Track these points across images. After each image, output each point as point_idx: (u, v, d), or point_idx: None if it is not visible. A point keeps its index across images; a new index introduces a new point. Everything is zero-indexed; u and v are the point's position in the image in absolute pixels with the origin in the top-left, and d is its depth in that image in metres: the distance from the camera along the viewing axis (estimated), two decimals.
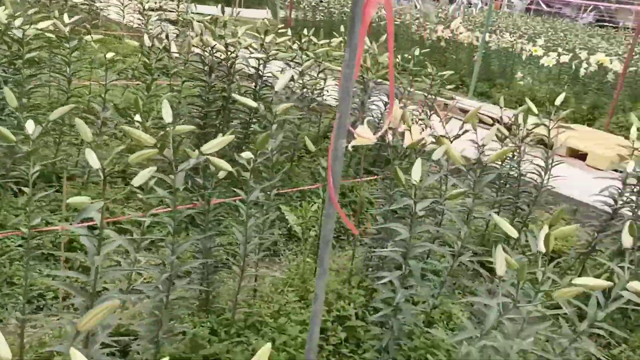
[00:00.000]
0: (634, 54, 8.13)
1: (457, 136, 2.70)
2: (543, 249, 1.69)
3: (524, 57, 9.42)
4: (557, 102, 3.04)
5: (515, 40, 9.66)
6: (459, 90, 9.36)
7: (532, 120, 3.17)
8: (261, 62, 3.63)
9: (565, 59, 8.83)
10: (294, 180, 3.90)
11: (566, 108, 8.70)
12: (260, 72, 3.66)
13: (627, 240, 1.85)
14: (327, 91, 4.72)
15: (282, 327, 2.42)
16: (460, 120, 3.36)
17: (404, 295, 2.09)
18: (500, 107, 3.35)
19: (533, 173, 3.20)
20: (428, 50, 5.05)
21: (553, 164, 3.29)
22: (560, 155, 5.92)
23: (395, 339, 2.15)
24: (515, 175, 3.31)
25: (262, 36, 3.61)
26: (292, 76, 3.67)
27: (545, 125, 3.06)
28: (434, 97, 4.32)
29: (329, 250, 1.08)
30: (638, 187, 2.92)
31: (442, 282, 2.43)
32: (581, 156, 5.94)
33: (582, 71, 8.58)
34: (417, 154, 2.55)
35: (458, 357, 1.65)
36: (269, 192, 2.50)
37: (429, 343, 2.40)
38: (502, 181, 3.39)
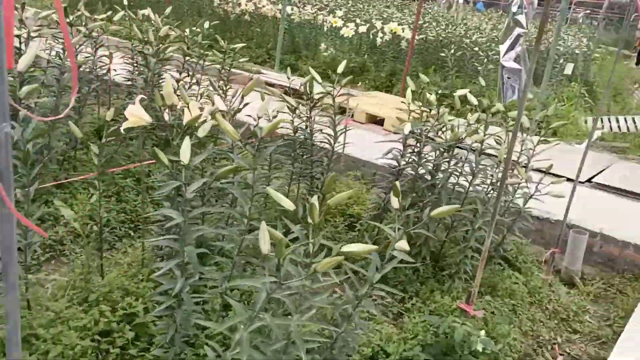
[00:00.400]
0: (420, 22, 8.74)
1: (238, 110, 2.60)
2: (311, 220, 1.64)
3: (325, 28, 9.66)
4: (339, 70, 3.07)
5: (316, 12, 9.87)
6: (267, 64, 9.36)
7: (320, 88, 3.19)
8: (22, 39, 3.18)
9: (363, 29, 9.22)
10: (78, 170, 3.54)
11: (368, 76, 9.08)
12: (22, 51, 3.21)
13: (394, 201, 1.88)
14: (115, 70, 4.37)
15: (57, 336, 2.15)
16: (267, 94, 3.27)
17: (185, 284, 1.94)
18: (288, 78, 3.32)
19: (324, 142, 3.22)
20: (218, 22, 4.87)
21: (346, 130, 3.36)
22: (360, 122, 6.18)
23: (181, 331, 2.01)
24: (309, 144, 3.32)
25: (20, 10, 3.16)
26: (59, 53, 3.28)
27: (330, 93, 3.08)
28: (228, 70, 4.18)
29: (16, 259, 0.89)
30: (418, 148, 3.07)
31: (233, 264, 2.33)
32: (380, 121, 6.24)
33: (378, 40, 9.03)
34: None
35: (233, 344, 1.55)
36: (27, 188, 2.18)
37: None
38: (297, 151, 3.38)
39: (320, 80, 3.01)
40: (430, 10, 12.84)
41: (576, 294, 3.55)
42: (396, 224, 1.89)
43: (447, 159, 2.96)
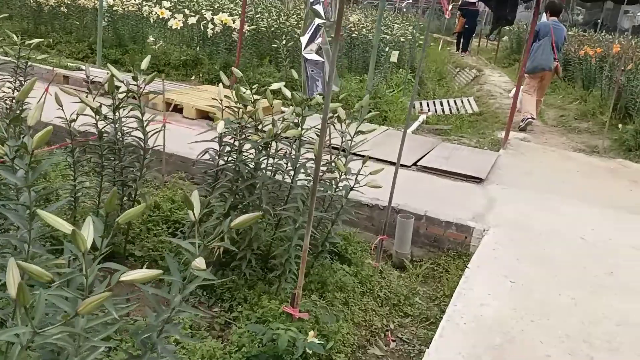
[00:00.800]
0: (251, 12, 8.58)
1: (17, 116, 2.24)
2: (80, 247, 1.40)
3: (152, 20, 9.15)
4: (143, 66, 2.80)
5: (141, 2, 9.31)
6: (89, 59, 8.67)
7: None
8: None
9: (193, 20, 8.86)
10: None
11: (202, 69, 8.73)
12: None
13: (190, 214, 1.69)
14: None
15: None
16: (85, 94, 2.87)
17: None
18: (88, 76, 2.98)
19: (133, 145, 2.94)
20: (7, 15, 4.31)
21: (164, 128, 3.10)
22: (190, 118, 5.90)
23: None
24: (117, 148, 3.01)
25: None
26: None
27: (133, 91, 2.80)
28: (24, 68, 3.69)
29: None
30: (236, 146, 2.90)
31: (15, 299, 1.99)
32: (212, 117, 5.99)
33: (209, 32, 8.73)
34: None
35: None
36: None
37: None
38: (105, 157, 3.05)
39: (120, 76, 2.72)
40: (262, 1, 12.74)
41: (407, 277, 3.64)
42: (196, 239, 1.70)
43: (266, 157, 2.83)
